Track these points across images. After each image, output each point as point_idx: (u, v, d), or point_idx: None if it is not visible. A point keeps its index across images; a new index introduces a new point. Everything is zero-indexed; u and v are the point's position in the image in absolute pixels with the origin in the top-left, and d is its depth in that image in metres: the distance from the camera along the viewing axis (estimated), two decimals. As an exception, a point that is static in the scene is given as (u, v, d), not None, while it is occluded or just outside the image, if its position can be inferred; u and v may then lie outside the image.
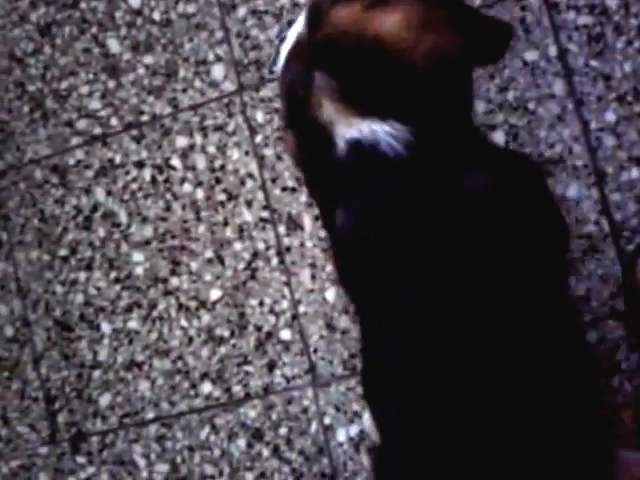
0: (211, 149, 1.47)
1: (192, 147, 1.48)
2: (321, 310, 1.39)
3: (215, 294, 1.45)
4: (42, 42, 1.59)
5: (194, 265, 1.46)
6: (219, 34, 1.48)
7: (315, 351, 1.40)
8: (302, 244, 1.41)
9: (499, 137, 1.29)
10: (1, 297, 1.57)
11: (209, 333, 1.45)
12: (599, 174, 1.26)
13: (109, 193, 1.52)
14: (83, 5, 1.57)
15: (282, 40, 1.01)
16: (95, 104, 1.55)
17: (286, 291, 1.41)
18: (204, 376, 1.45)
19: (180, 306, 1.46)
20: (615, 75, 1.26)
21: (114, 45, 1.54)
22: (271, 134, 1.43)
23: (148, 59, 1.52)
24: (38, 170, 1.57)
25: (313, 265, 1.39)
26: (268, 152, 1.43)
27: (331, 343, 1.39)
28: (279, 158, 1.43)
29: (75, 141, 1.55)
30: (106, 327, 1.50)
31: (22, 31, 1.61)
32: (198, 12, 1.49)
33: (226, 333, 1.44)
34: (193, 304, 1.46)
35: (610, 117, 1.26)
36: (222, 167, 1.46)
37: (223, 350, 1.44)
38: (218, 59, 1.47)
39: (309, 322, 1.39)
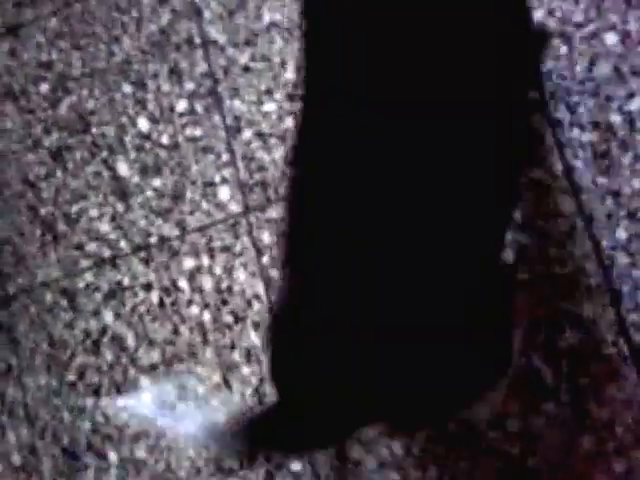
0: (218, 270, 1.38)
1: (199, 269, 1.39)
2: (330, 438, 1.28)
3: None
4: (54, 166, 1.53)
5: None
6: (225, 156, 1.41)
7: (326, 480, 1.28)
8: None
9: (508, 255, 1.19)
10: (9, 423, 1.47)
11: (217, 464, 1.33)
12: (614, 293, 1.15)
13: (117, 316, 1.43)
14: (94, 130, 1.51)
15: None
16: (104, 227, 1.47)
17: (294, 417, 1.30)
18: (212, 506, 1.33)
19: (187, 433, 1.36)
20: (624, 191, 1.16)
21: (123, 168, 1.48)
22: (277, 255, 1.34)
23: (156, 182, 1.45)
24: (48, 293, 1.49)
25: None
26: (275, 273, 1.34)
27: (342, 473, 1.27)
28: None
29: (85, 264, 1.48)
30: (113, 456, 1.39)
31: (35, 156, 1.55)
32: (204, 136, 1.43)
33: (235, 464, 1.32)
34: (200, 430, 1.35)
35: (621, 234, 1.16)
36: (229, 288, 1.37)
37: None
38: (224, 181, 1.40)
39: (320, 453, 1.28)
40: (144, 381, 1.40)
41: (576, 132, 1.16)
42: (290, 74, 1.39)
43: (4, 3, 1.64)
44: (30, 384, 1.47)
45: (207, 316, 1.38)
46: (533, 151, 1.17)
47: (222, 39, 1.45)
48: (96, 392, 1.42)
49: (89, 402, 1.42)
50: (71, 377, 1.45)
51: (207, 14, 1.46)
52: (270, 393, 1.31)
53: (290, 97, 1.38)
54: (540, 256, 1.17)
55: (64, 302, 1.48)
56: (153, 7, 1.51)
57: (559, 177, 1.17)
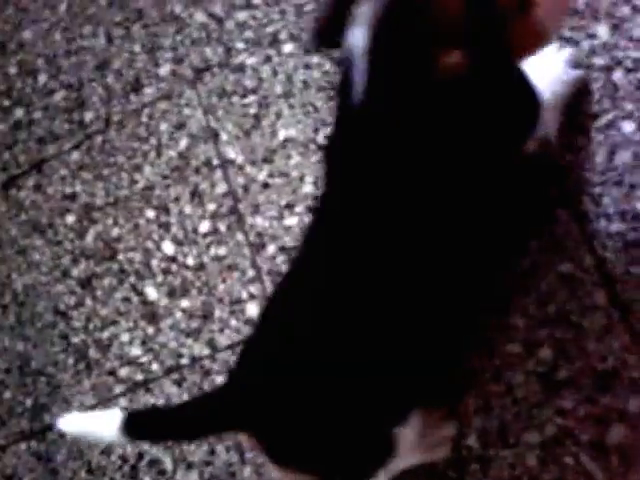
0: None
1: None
2: None
3: None
4: (83, 295, 1.52)
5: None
6: (251, 273, 1.39)
7: None
8: None
9: (546, 352, 1.14)
10: None
11: None
12: (659, 385, 1.10)
13: (154, 441, 1.38)
14: (120, 256, 1.50)
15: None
16: (136, 351, 1.45)
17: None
18: None
19: None
20: (657, 280, 1.13)
21: (151, 292, 1.46)
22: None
23: (184, 303, 1.43)
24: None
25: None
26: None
27: None
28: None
29: (118, 389, 1.44)
30: None
31: (64, 286, 1.54)
32: (229, 254, 1.41)
33: None
34: None
35: (660, 324, 1.12)
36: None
37: None
38: (252, 297, 1.38)
39: None
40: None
41: (603, 223, 1.14)
42: (309, 187, 1.38)
43: (27, 141, 1.66)
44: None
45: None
46: (562, 246, 1.14)
47: (240, 159, 1.44)
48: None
49: (130, 533, 1.36)
50: (112, 508, 1.39)
51: (223, 136, 1.47)
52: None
53: (311, 210, 1.36)
54: (579, 352, 1.12)
55: (99, 430, 1.43)
56: (171, 133, 1.52)
57: (590, 270, 1.14)
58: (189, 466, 1.35)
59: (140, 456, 1.39)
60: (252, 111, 1.45)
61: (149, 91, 1.56)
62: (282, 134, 1.43)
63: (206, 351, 1.39)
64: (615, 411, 1.08)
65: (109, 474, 1.41)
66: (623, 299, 1.11)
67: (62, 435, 1.46)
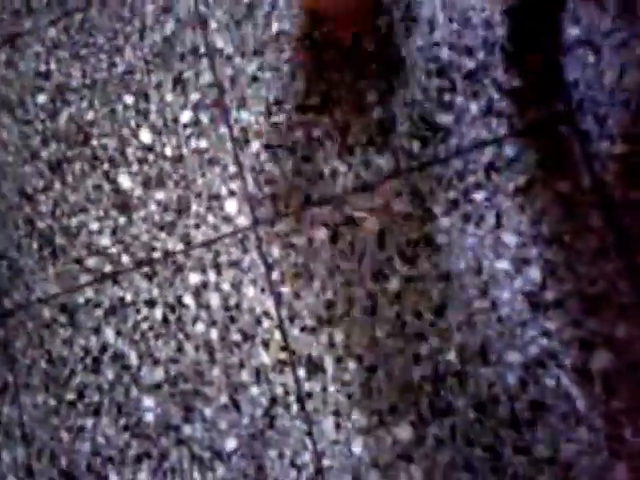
0: (225, 286, 1.25)
1: (205, 285, 1.26)
2: (348, 464, 1.15)
3: (231, 444, 1.21)
4: (52, 179, 1.40)
5: (208, 412, 1.23)
6: (232, 169, 1.28)
7: (340, 506, 1.15)
8: (324, 389, 1.17)
9: (535, 272, 1.07)
10: (5, 444, 1.32)
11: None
12: (647, 312, 1.04)
13: (119, 333, 1.30)
14: (94, 142, 1.38)
15: None
16: (105, 241, 1.34)
17: (308, 442, 1.17)
18: (220, 534, 1.20)
19: (193, 457, 1.22)
20: (657, 206, 1.05)
21: (125, 181, 1.35)
22: (287, 270, 1.22)
23: (160, 195, 1.32)
24: (46, 309, 1.35)
25: (337, 412, 1.16)
26: (285, 289, 1.22)
27: (359, 499, 1.14)
28: (297, 296, 1.21)
29: (85, 279, 1.34)
30: (114, 479, 1.25)
31: (33, 168, 1.42)
32: (210, 147, 1.30)
33: None
34: (207, 455, 1.22)
35: (655, 251, 1.05)
36: (237, 305, 1.24)
37: (240, 505, 1.19)
38: (231, 194, 1.28)
39: (334, 477, 1.15)
40: (147, 401, 1.26)
41: (605, 144, 1.05)
42: (300, 84, 1.27)
43: (1, 13, 1.50)
44: (27, 403, 1.33)
45: (214, 334, 1.25)
46: (561, 164, 1.06)
47: (228, 49, 1.32)
48: (96, 412, 1.28)
49: (89, 422, 1.28)
50: (70, 396, 1.31)
51: (213, 23, 1.34)
52: (281, 415, 1.19)
53: (300, 108, 1.25)
54: (569, 274, 1.05)
55: (63, 318, 1.34)
56: (157, 16, 1.38)
57: (588, 191, 1.06)
58: (155, 362, 1.27)
59: (104, 349, 1.30)
60: (245, 0, 1.32)
61: (135, -30, 1.42)
62: (275, 27, 1.31)
63: (180, 246, 1.29)
64: (601, 336, 1.02)
65: (70, 365, 1.32)
66: (619, 223, 1.04)
67: (23, 322, 1.36)
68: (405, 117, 1.18)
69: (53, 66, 1.45)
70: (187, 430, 1.23)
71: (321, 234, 1.21)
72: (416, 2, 1.19)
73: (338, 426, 1.16)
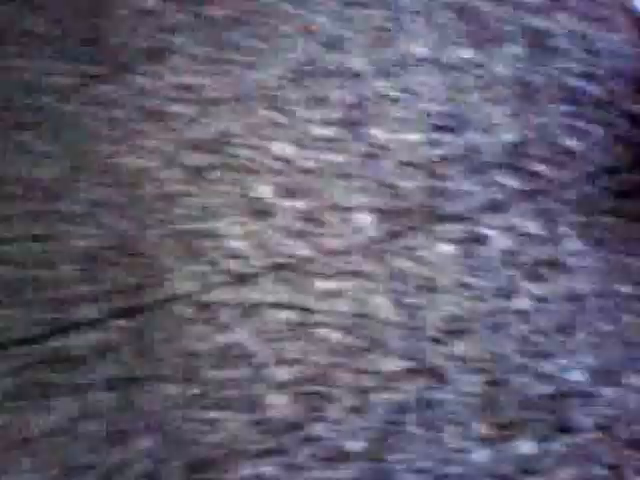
0: (352, 294, 1.31)
1: (334, 291, 1.32)
2: (468, 473, 1.18)
3: (355, 446, 1.26)
4: (191, 184, 1.49)
5: (334, 413, 1.28)
6: (364, 183, 1.34)
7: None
8: (447, 398, 1.21)
9: None
10: (134, 433, 1.40)
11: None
12: None
13: (250, 332, 1.37)
14: (234, 152, 1.46)
15: None
16: (240, 245, 1.43)
17: (430, 449, 1.21)
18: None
19: (318, 456, 1.27)
20: None
21: (262, 190, 1.43)
22: (414, 282, 1.26)
23: (294, 204, 1.40)
24: (181, 305, 1.44)
25: (459, 422, 1.19)
26: (411, 300, 1.26)
27: None
28: (422, 307, 1.25)
29: (219, 279, 1.43)
30: (240, 472, 1.32)
31: (172, 172, 1.51)
32: (345, 162, 1.36)
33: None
34: (332, 454, 1.27)
35: None
36: (363, 313, 1.29)
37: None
38: (363, 207, 1.33)
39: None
40: (274, 399, 1.32)
41: None
42: (436, 106, 1.32)
43: (153, 29, 1.61)
44: (158, 393, 1.41)
45: (340, 339, 1.30)
46: None
47: (365, 69, 1.38)
48: (225, 406, 1.36)
49: (218, 415, 1.35)
50: (200, 389, 1.38)
51: (351, 44, 1.40)
52: (404, 421, 1.23)
53: (436, 128, 1.30)
54: None
55: (198, 315, 1.42)
56: (296, 37, 1.46)
57: None
58: (282, 362, 1.34)
59: (235, 346, 1.38)
60: (383, 24, 1.38)
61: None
62: (412, 49, 1.36)
63: (312, 254, 1.36)
64: None
65: (202, 360, 1.40)
66: None
67: (160, 316, 1.45)
68: (536, 140, 1.22)
69: (198, 79, 1.54)
70: (313, 429, 1.29)
71: (449, 249, 1.25)
72: (549, 32, 1.23)
73: (460, 435, 1.19)
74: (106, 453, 1.38)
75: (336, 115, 1.39)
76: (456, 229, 1.23)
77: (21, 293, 1.56)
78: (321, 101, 1.41)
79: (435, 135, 1.29)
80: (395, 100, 1.35)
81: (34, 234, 1.57)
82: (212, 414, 1.36)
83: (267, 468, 1.29)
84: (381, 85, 1.36)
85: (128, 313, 1.49)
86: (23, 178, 1.57)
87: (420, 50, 1.35)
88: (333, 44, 1.42)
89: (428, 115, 1.32)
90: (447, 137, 1.28)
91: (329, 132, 1.39)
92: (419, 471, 1.20)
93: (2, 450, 1.20)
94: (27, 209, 1.57)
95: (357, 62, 1.39)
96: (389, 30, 1.38)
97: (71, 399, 1.34)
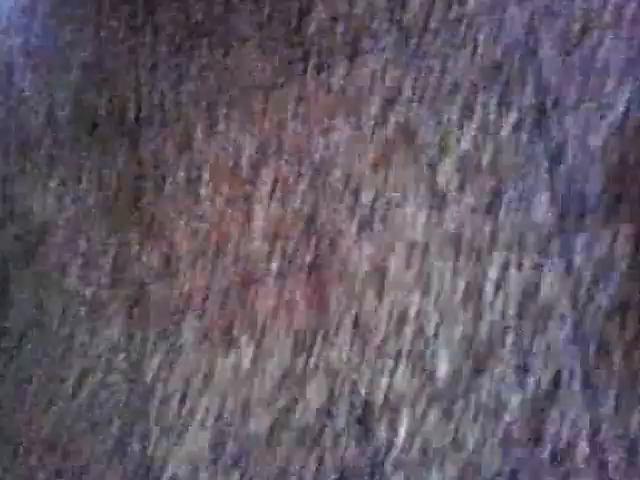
0: (527, 273, 1.45)
1: (507, 266, 1.46)
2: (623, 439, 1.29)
3: (514, 401, 1.39)
4: (375, 173, 1.66)
5: (497, 371, 1.42)
6: (544, 182, 1.49)
7: None
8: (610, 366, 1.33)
9: None
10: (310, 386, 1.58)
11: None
12: None
13: (424, 295, 1.52)
14: (418, 145, 1.63)
15: None
16: (417, 229, 1.58)
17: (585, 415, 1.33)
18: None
19: (480, 406, 1.41)
20: None
21: (441, 180, 1.58)
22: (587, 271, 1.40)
23: (469, 197, 1.55)
24: (358, 280, 1.61)
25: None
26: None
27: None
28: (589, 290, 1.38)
29: (395, 250, 1.59)
30: (405, 419, 1.47)
31: (359, 164, 1.69)
32: (524, 163, 1.51)
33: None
34: (492, 406, 1.40)
35: None
36: (534, 293, 1.43)
37: None
38: (542, 201, 1.48)
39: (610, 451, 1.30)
40: (442, 355, 1.47)
41: None
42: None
43: (345, 33, 1.80)
44: (335, 344, 1.58)
45: (511, 310, 1.44)
46: None
47: (554, 77, 1.54)
48: (396, 360, 1.52)
49: (387, 366, 1.51)
50: (375, 342, 1.54)
51: (542, 52, 1.56)
52: (564, 387, 1.36)
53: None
54: None
55: (371, 281, 1.59)
56: (488, 42, 1.62)
57: None
58: (455, 323, 1.48)
59: (410, 310, 1.53)
60: (576, 28, 1.53)
61: (472, 2, 1.67)
62: (602, 56, 1.50)
63: (484, 236, 1.51)
64: None
65: (380, 325, 1.56)
66: None
67: (336, 280, 1.62)
68: None
69: (387, 81, 1.73)
70: (476, 383, 1.43)
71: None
72: None
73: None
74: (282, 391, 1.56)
75: (518, 117, 1.55)
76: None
77: (211, 262, 1.77)
78: (507, 104, 1.57)
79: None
80: (579, 106, 1.50)
81: (226, 212, 1.79)
82: (384, 363, 1.52)
83: (431, 416, 1.44)
84: (566, 91, 1.51)
85: (308, 274, 1.67)
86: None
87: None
88: (523, 50, 1.59)
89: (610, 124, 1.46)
90: None
91: (510, 132, 1.55)
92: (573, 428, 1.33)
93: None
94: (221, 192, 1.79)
95: (547, 69, 1.56)
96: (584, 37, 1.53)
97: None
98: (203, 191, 1.86)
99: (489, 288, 1.47)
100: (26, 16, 2.27)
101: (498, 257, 1.48)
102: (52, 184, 2.06)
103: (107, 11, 2.13)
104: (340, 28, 1.82)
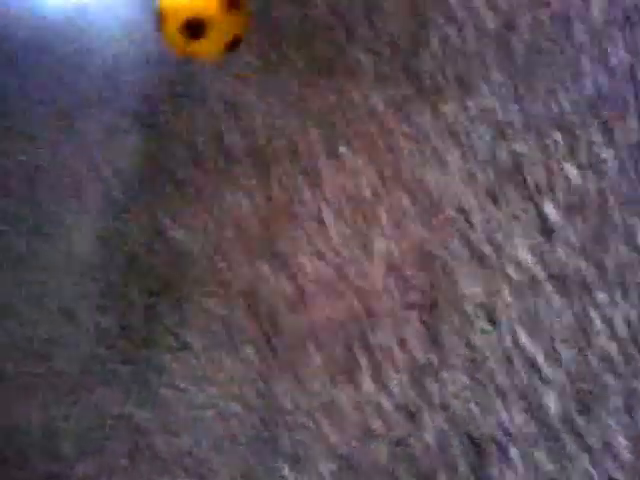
0: (634, 313, 1.43)
1: (614, 305, 1.45)
2: None
3: (623, 443, 1.39)
4: (487, 199, 1.69)
5: (602, 412, 1.42)
6: (648, 206, 1.45)
7: None
8: None
9: None
10: (429, 412, 1.63)
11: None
12: None
13: (530, 336, 1.54)
14: (525, 171, 1.64)
15: None
16: (526, 255, 1.60)
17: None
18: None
19: (583, 448, 1.42)
20: None
21: (549, 209, 1.58)
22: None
23: (579, 224, 1.54)
24: (469, 305, 1.64)
25: None
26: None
27: None
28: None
29: (503, 286, 1.61)
30: (513, 451, 1.50)
31: (471, 189, 1.72)
32: (630, 188, 1.48)
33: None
34: (597, 446, 1.40)
35: None
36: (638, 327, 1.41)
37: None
38: (645, 228, 1.45)
39: None
40: (549, 392, 1.49)
41: None
42: None
43: (455, 61, 1.82)
44: (447, 379, 1.63)
45: (614, 348, 1.43)
46: None
47: (658, 101, 1.49)
48: (500, 394, 1.54)
49: (498, 404, 1.55)
50: (479, 377, 1.58)
51: (645, 78, 1.52)
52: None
53: None
54: None
55: (483, 315, 1.62)
56: (591, 68, 1.59)
57: None
58: (559, 363, 1.49)
59: (516, 346, 1.55)
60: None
61: (578, 28, 1.64)
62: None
63: (592, 269, 1.50)
64: None
65: (485, 354, 1.59)
66: None
67: (450, 313, 1.67)
68: None
69: (497, 106, 1.74)
70: (581, 422, 1.44)
71: None
72: None
73: None
74: (397, 424, 1.63)
75: (624, 140, 1.52)
76: None
77: (334, 284, 1.87)
78: (611, 130, 1.54)
79: None
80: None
81: (347, 235, 1.87)
82: (493, 401, 1.56)
83: (540, 455, 1.46)
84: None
85: (421, 307, 1.73)
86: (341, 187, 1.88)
87: None
88: (627, 79, 1.55)
89: None
90: None
91: (614, 158, 1.52)
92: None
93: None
94: (345, 220, 1.87)
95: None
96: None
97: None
98: (326, 215, 1.95)
99: (596, 324, 1.46)
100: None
101: (605, 292, 1.47)
102: (194, 208, 2.23)
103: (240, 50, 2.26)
104: (452, 62, 1.84)
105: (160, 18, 1.39)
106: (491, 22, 1.79)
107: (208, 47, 1.49)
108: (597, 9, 1.63)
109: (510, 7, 1.77)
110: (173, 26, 1.39)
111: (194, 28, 1.40)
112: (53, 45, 2.86)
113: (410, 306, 1.74)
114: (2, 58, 3.01)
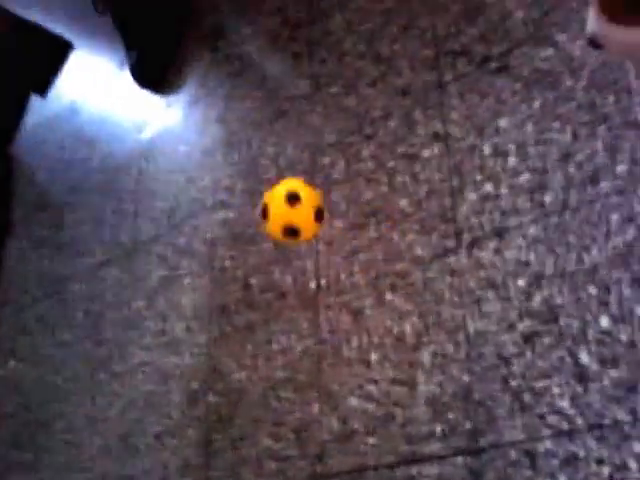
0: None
1: (648, 455, 1.50)
2: None
3: None
4: (525, 348, 1.77)
5: None
6: (679, 359, 1.52)
7: None
8: None
9: None
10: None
11: None
12: None
13: (571, 483, 1.59)
14: (561, 321, 1.72)
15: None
16: (565, 404, 1.66)
17: None
18: None
19: None
20: None
21: (585, 357, 1.66)
22: None
23: (613, 372, 1.60)
24: (513, 452, 1.70)
25: None
26: None
27: None
28: None
29: (545, 432, 1.67)
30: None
31: (509, 337, 1.80)
32: (660, 339, 1.56)
33: None
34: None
35: None
36: (675, 478, 1.46)
37: None
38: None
39: None
40: None
41: None
42: None
43: (492, 211, 1.94)
44: (492, 527, 1.67)
45: (653, 498, 1.47)
46: None
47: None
48: None
49: None
50: (527, 528, 1.62)
51: (670, 235, 1.61)
52: None
53: None
54: None
55: (526, 461, 1.68)
56: (621, 224, 1.70)
57: None
58: (599, 512, 1.52)
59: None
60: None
61: (605, 185, 1.76)
62: None
63: (628, 418, 1.55)
64: None
65: (527, 500, 1.64)
66: None
67: (493, 459, 1.72)
68: None
69: (532, 257, 1.84)
70: None
71: None
72: None
73: None
74: None
75: (652, 296, 1.60)
76: None
77: (382, 426, 1.94)
78: None
79: None
80: None
81: (393, 378, 1.96)
82: None
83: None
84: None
85: (466, 453, 1.79)
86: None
87: None
88: (652, 232, 1.65)
89: None
90: None
91: (646, 311, 1.60)
92: None
93: None
94: (390, 358, 1.97)
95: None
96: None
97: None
98: (373, 357, 2.05)
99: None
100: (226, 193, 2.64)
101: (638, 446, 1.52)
102: (249, 347, 2.35)
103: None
104: (488, 207, 1.97)
105: (265, 215, 2.00)
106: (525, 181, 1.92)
107: (298, 242, 2.19)
108: (622, 165, 1.75)
109: (543, 163, 1.90)
110: (276, 226, 1.99)
111: (291, 231, 1.99)
112: (116, 185, 3.09)
113: (456, 451, 1.80)
114: (71, 187, 3.25)
